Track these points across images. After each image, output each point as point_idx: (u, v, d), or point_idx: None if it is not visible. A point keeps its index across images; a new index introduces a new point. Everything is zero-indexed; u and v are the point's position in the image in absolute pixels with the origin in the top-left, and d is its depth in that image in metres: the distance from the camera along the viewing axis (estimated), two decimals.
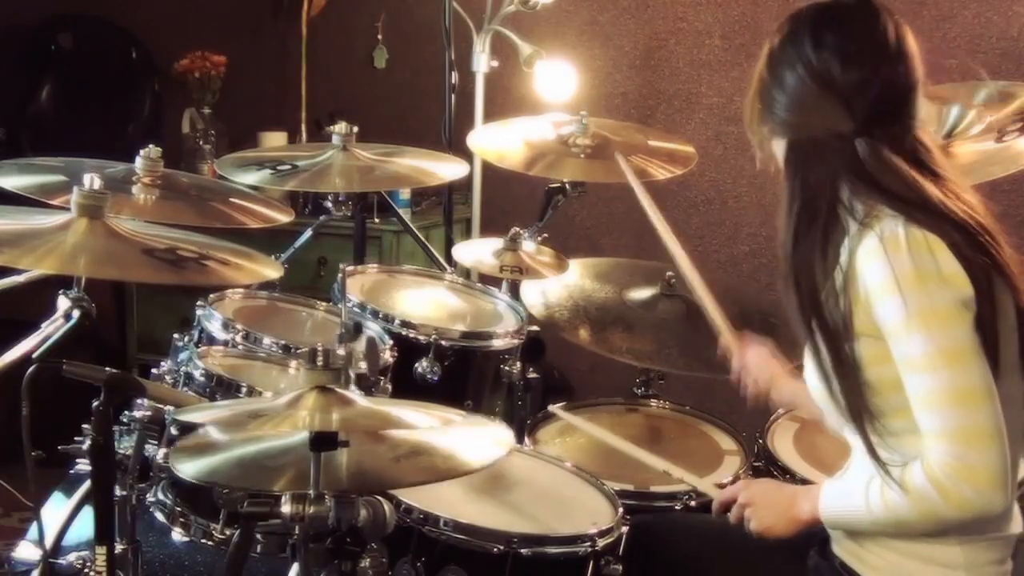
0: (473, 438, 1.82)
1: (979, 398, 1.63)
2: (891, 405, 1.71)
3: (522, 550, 1.98)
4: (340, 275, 2.42)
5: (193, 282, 1.89)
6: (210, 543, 2.02)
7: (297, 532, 1.67)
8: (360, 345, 2.07)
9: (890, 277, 1.65)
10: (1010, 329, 1.72)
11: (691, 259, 2.38)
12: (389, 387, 2.33)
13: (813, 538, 1.92)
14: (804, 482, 2.38)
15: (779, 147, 1.84)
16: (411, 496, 2.02)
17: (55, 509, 2.18)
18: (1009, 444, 1.65)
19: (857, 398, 1.72)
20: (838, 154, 1.74)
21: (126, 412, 2.00)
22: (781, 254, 1.79)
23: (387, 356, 2.36)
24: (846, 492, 1.80)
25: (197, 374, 2.18)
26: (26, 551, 2.05)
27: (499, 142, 2.98)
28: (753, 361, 2.20)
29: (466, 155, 3.16)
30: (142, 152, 2.37)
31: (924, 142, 1.77)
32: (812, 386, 1.84)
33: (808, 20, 1.79)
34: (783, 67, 1.79)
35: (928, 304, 1.64)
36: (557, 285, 2.76)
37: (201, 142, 4.22)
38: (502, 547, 1.98)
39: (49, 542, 2.01)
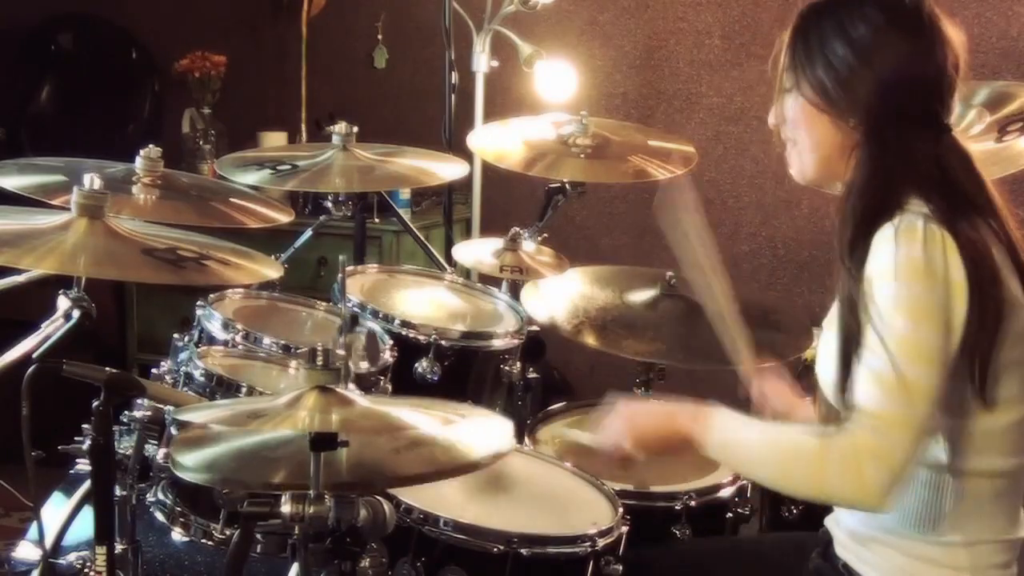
0: (474, 431, 1.82)
1: (922, 396, 1.60)
2: None
3: (522, 550, 1.98)
4: (340, 269, 2.42)
5: (193, 282, 1.89)
6: (210, 543, 2.01)
7: (297, 532, 1.67)
8: (359, 339, 2.07)
9: (898, 262, 1.61)
10: (1017, 332, 1.68)
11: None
12: (389, 387, 2.34)
13: (815, 542, 1.92)
14: None
15: (837, 128, 1.75)
16: (411, 496, 2.02)
17: (55, 509, 2.18)
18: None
19: None
20: (923, 148, 1.70)
21: (126, 412, 2.00)
22: (838, 238, 1.72)
23: (387, 356, 2.36)
24: (746, 419, 1.78)
25: (197, 374, 2.18)
26: (26, 551, 2.05)
27: (499, 142, 2.98)
28: (771, 392, 2.17)
29: (466, 155, 3.16)
30: (142, 152, 2.37)
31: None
32: (826, 376, 1.81)
33: (893, 6, 1.73)
34: (872, 50, 1.70)
35: (924, 297, 1.60)
36: (557, 291, 2.76)
37: (201, 142, 4.22)
38: (502, 547, 1.98)
39: (49, 542, 2.01)
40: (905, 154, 1.70)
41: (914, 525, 1.74)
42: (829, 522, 1.90)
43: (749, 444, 1.76)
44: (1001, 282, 1.66)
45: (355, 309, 2.51)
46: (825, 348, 1.82)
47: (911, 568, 1.75)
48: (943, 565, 1.74)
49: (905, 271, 1.61)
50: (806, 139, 1.79)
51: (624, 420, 1.90)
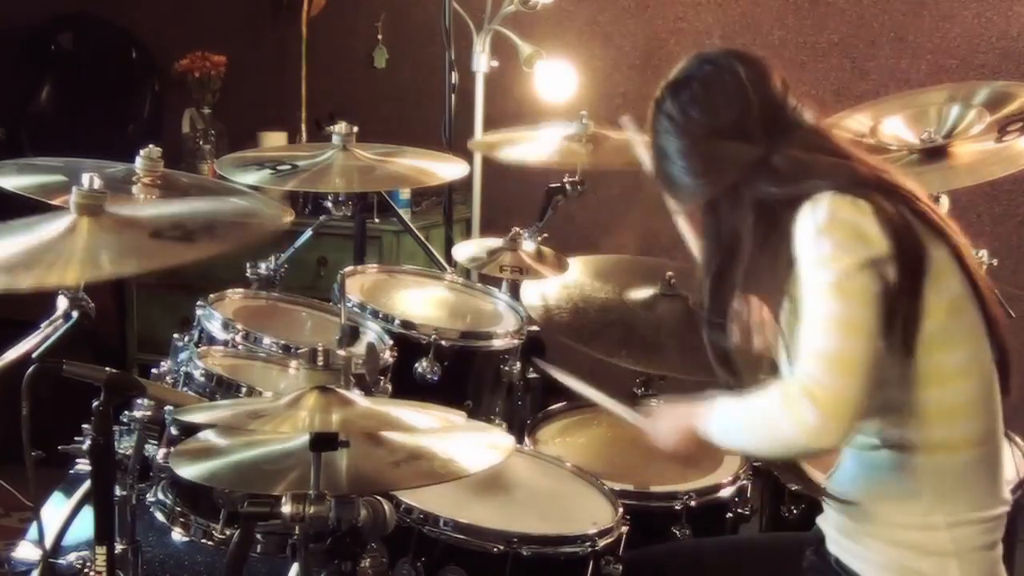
0: (472, 443, 1.82)
1: (857, 334, 1.64)
2: None
3: (522, 550, 1.98)
4: (339, 279, 2.42)
5: (208, 253, 1.81)
6: (210, 543, 2.01)
7: (297, 532, 1.67)
8: (359, 349, 2.07)
9: (810, 231, 1.69)
10: (952, 299, 1.74)
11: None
12: (389, 387, 2.34)
13: (809, 540, 1.93)
14: (807, 482, 2.39)
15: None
16: (411, 496, 2.02)
17: (55, 509, 2.18)
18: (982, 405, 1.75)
19: None
20: (759, 179, 1.78)
21: (126, 412, 2.00)
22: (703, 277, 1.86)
23: (387, 356, 2.36)
24: (736, 402, 1.82)
25: (197, 374, 2.18)
26: (26, 551, 2.05)
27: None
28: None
29: (466, 155, 3.16)
30: (142, 152, 2.36)
31: (823, 131, 1.85)
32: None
33: (667, 93, 1.87)
34: (671, 141, 1.86)
35: (838, 252, 1.67)
36: (557, 285, 2.76)
37: (201, 142, 4.22)
38: (502, 547, 1.98)
39: (49, 542, 2.01)
40: (747, 194, 1.78)
41: (896, 510, 1.77)
42: (820, 520, 1.91)
43: (731, 424, 1.81)
44: (925, 247, 1.72)
45: (355, 310, 2.52)
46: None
47: (898, 557, 1.77)
48: (929, 552, 1.75)
49: (820, 234, 1.68)
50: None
51: (666, 434, 1.96)
